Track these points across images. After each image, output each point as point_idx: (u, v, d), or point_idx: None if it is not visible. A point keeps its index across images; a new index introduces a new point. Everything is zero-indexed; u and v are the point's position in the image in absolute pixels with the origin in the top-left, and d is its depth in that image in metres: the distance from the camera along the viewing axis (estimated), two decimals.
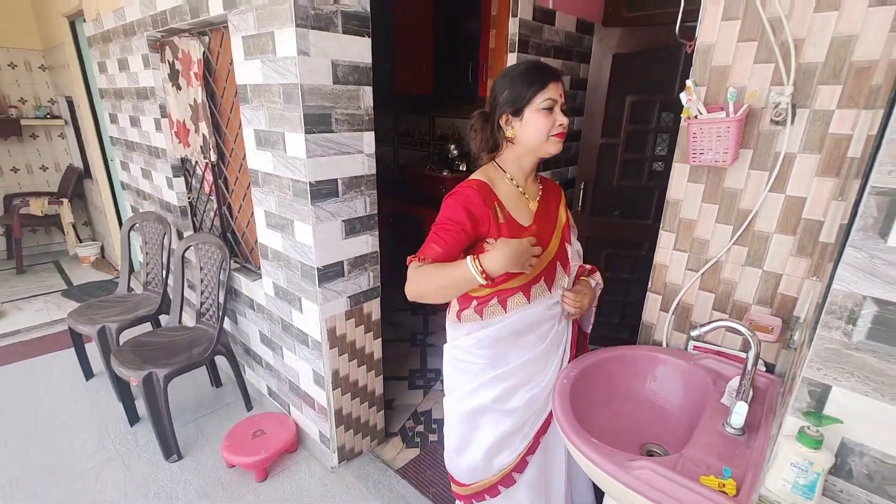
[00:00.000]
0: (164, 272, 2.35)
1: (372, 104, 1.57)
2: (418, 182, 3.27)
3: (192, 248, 2.14)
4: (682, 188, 1.22)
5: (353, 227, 1.64)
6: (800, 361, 0.79)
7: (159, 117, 2.24)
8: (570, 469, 1.36)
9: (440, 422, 2.16)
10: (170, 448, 1.91)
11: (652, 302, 1.36)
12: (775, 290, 1.13)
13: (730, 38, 1.07)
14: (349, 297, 1.71)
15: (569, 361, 1.23)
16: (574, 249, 1.25)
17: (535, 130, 1.04)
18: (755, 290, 1.16)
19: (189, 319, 2.41)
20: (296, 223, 1.58)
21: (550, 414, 1.23)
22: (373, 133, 1.60)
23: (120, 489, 1.78)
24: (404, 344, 2.87)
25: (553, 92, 1.02)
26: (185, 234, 2.41)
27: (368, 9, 1.45)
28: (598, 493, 1.45)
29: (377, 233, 1.74)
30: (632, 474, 0.87)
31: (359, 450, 1.97)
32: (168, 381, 1.85)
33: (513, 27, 2.03)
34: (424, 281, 1.01)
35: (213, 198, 2.17)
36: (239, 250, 2.15)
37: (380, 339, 1.91)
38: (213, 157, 1.97)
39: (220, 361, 2.37)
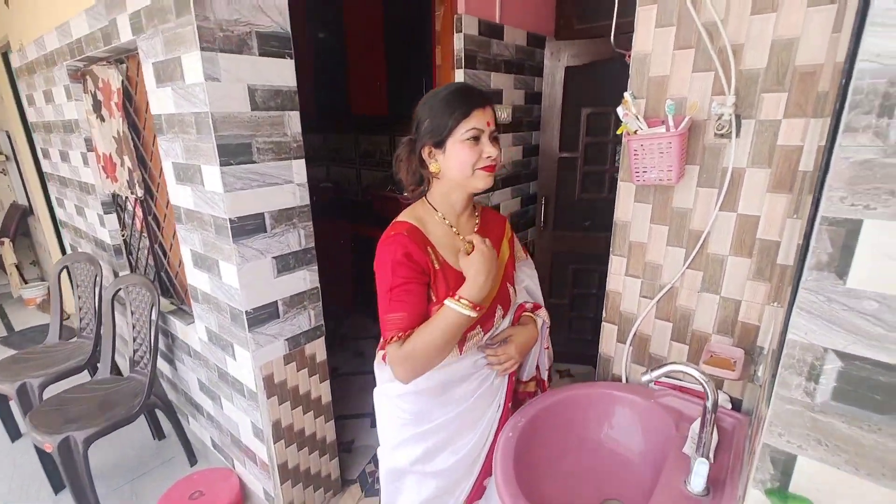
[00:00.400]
0: (98, 318, 2.15)
1: (300, 130, 1.44)
2: (380, 203, 3.15)
3: (122, 290, 1.96)
4: (629, 209, 1.12)
5: (286, 264, 1.49)
6: (760, 420, 0.67)
7: (86, 151, 2.08)
8: None
9: None
10: None
11: (608, 332, 1.24)
12: (735, 317, 1.03)
13: (666, 46, 0.98)
14: (287, 339, 1.56)
15: (501, 419, 1.09)
16: (522, 286, 1.13)
17: (458, 164, 0.91)
18: (714, 319, 1.05)
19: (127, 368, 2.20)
20: (221, 263, 1.43)
21: (482, 475, 1.09)
22: (303, 161, 1.47)
23: None
24: (370, 376, 2.70)
25: (478, 120, 0.89)
26: (121, 275, 2.22)
27: (288, 28, 1.34)
28: None
29: (316, 267, 1.59)
30: None
31: None
32: (89, 445, 1.65)
33: (458, 43, 1.95)
34: (415, 358, 0.88)
35: (145, 235, 2.01)
36: (174, 291, 1.98)
37: (327, 381, 1.75)
38: (140, 193, 1.81)
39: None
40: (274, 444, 1.60)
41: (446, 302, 0.87)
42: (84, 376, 2.16)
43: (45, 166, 2.67)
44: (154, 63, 1.36)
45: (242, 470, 1.82)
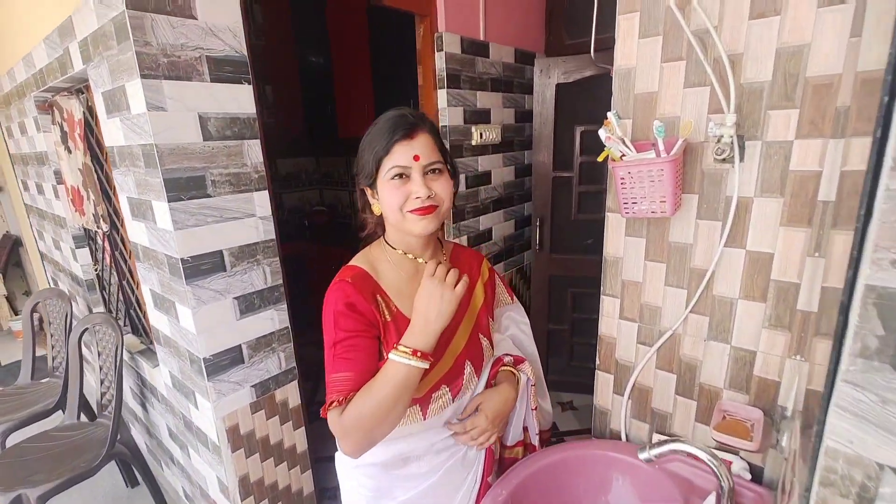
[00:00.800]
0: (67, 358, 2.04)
1: (262, 159, 1.33)
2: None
3: (88, 330, 1.85)
4: (619, 243, 0.98)
5: (250, 304, 1.37)
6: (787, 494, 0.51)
7: (56, 184, 1.99)
8: None
9: None
10: None
11: (603, 383, 1.09)
12: (750, 371, 0.87)
13: (652, 59, 0.85)
14: (254, 385, 1.42)
15: (479, 494, 0.93)
16: (507, 334, 0.98)
17: (386, 206, 0.79)
18: (725, 372, 0.90)
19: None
20: (178, 305, 1.31)
21: None
22: (266, 192, 1.35)
23: None
24: None
25: (401, 156, 0.76)
26: (95, 311, 2.12)
27: (244, 51, 1.24)
28: None
29: (285, 305, 1.46)
30: None
31: None
32: (45, 502, 1.52)
33: (439, 62, 1.85)
34: (360, 429, 0.73)
35: (115, 271, 1.91)
36: (143, 330, 1.86)
37: (302, 427, 1.60)
38: (105, 227, 1.71)
39: None
40: (241, 501, 1.45)
41: (390, 354, 0.74)
42: (57, 417, 2.03)
43: (26, 198, 2.61)
44: (103, 92, 1.27)
45: None
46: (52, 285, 2.68)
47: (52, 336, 2.17)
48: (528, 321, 1.05)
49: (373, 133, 0.79)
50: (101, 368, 1.82)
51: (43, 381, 2.18)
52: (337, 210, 3.77)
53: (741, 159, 0.79)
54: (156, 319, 1.50)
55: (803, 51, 0.72)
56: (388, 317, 0.81)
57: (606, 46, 1.12)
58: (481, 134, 2.08)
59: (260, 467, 1.49)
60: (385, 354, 0.80)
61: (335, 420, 0.75)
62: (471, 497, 0.92)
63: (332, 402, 0.75)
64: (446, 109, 1.90)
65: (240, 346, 1.37)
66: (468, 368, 0.87)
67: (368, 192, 0.83)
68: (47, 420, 1.97)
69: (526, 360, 0.97)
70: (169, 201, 1.15)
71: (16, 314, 3.79)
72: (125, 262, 1.80)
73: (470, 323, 0.89)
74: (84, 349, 2.10)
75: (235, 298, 1.33)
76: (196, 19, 1.13)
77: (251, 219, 1.33)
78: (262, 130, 1.33)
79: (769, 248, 0.80)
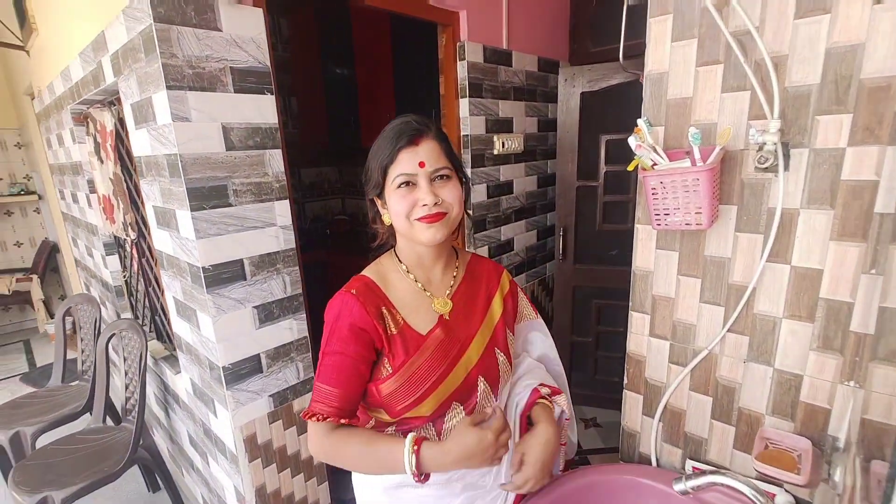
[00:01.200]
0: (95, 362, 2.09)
1: (283, 169, 1.33)
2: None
3: (115, 335, 1.89)
4: (649, 256, 0.92)
5: (269, 314, 1.36)
6: None
7: (89, 193, 2.06)
8: None
9: None
10: None
11: (631, 403, 1.03)
12: (796, 397, 0.80)
13: (686, 63, 0.81)
14: (272, 395, 1.41)
15: None
16: (535, 356, 0.94)
17: (394, 215, 0.78)
18: (767, 397, 0.83)
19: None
20: (198, 314, 1.32)
21: None
22: (286, 202, 1.35)
23: None
24: None
25: (406, 164, 0.75)
26: (122, 317, 2.17)
27: (268, 62, 1.25)
28: None
29: (304, 315, 1.46)
30: None
31: None
32: None
33: (461, 71, 1.83)
34: (334, 460, 0.79)
35: (142, 278, 1.95)
36: (168, 337, 1.89)
37: None
38: (133, 235, 1.75)
39: None
40: None
41: (406, 443, 0.72)
42: (85, 420, 2.08)
43: (62, 206, 2.72)
44: (132, 104, 1.30)
45: None
46: (85, 290, 2.77)
47: (82, 340, 2.23)
48: (551, 339, 1.00)
49: (378, 142, 0.78)
50: (126, 373, 1.86)
51: (73, 383, 2.24)
52: (358, 219, 3.79)
53: (786, 168, 0.73)
54: (178, 327, 1.52)
55: (857, 51, 0.66)
56: (393, 329, 0.79)
57: (635, 53, 1.07)
58: (503, 143, 2.05)
59: (277, 478, 1.47)
60: (388, 365, 0.78)
61: (316, 434, 0.78)
62: None
63: (315, 415, 0.76)
64: (468, 118, 1.88)
65: (258, 355, 1.36)
66: (482, 385, 0.83)
67: (378, 202, 0.82)
68: (76, 422, 2.01)
69: (563, 393, 0.91)
70: (192, 210, 1.16)
71: (52, 318, 3.93)
72: (151, 269, 1.83)
73: (485, 336, 0.85)
74: (112, 354, 2.15)
75: (255, 307, 1.33)
76: (221, 31, 1.15)
77: (272, 228, 1.33)
78: (284, 140, 1.34)
79: (817, 263, 0.74)
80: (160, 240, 1.42)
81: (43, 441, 1.86)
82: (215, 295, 1.24)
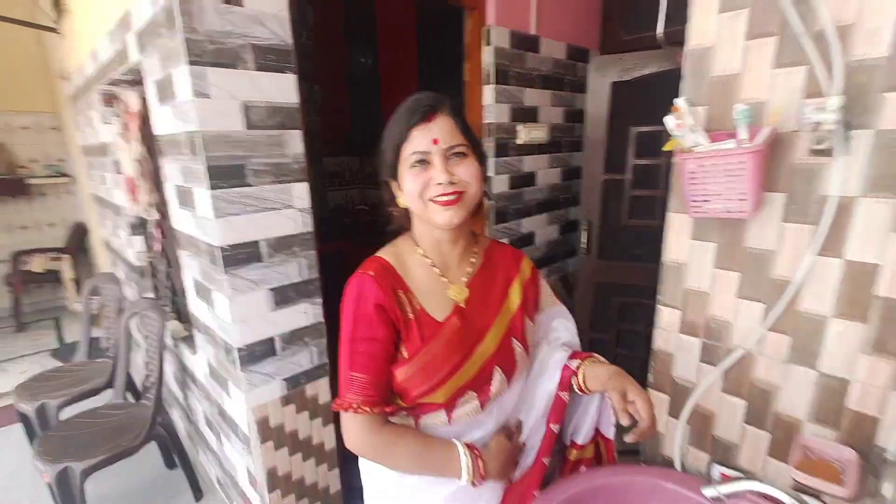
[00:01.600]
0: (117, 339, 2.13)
1: (302, 150, 1.31)
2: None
3: (137, 314, 1.92)
4: (683, 247, 0.86)
5: (285, 297, 1.35)
6: None
7: (115, 174, 2.09)
8: None
9: None
10: None
11: (655, 403, 0.97)
12: (841, 403, 0.73)
13: (734, 36, 0.74)
14: (285, 379, 1.40)
15: None
16: (560, 343, 0.89)
17: (407, 196, 0.75)
18: (809, 402, 0.77)
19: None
20: (214, 294, 1.32)
21: None
22: (306, 184, 1.33)
23: None
24: None
25: (420, 141, 0.71)
26: (145, 297, 2.20)
27: (290, 40, 1.22)
28: None
29: (320, 300, 1.44)
30: None
31: None
32: (86, 477, 1.57)
33: (487, 57, 1.78)
34: (383, 459, 0.79)
35: (164, 259, 1.97)
36: (188, 317, 1.91)
37: (331, 425, 1.57)
38: (156, 215, 1.77)
39: None
40: (269, 493, 1.43)
41: (459, 448, 0.76)
42: (107, 395, 2.13)
43: (91, 188, 2.78)
44: (155, 81, 1.30)
45: None
46: (112, 270, 2.84)
47: (106, 318, 2.28)
48: (574, 326, 0.96)
49: (392, 121, 0.75)
50: (146, 352, 1.88)
51: (98, 360, 2.29)
52: (379, 210, 3.77)
53: (845, 151, 0.66)
54: (196, 307, 1.52)
55: None
56: (410, 314, 0.76)
57: (674, 41, 1.00)
58: (528, 133, 1.99)
59: (288, 461, 1.47)
60: (404, 350, 0.75)
61: (359, 429, 0.75)
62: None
63: (354, 406, 0.73)
64: (492, 106, 1.83)
65: (273, 338, 1.35)
66: (498, 375, 0.79)
67: (392, 183, 0.79)
68: (98, 397, 2.06)
69: (594, 355, 0.87)
70: (211, 188, 1.15)
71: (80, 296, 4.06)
72: (172, 250, 1.85)
73: (502, 326, 0.82)
74: (135, 333, 2.19)
75: (270, 290, 1.32)
76: (242, 6, 1.13)
77: (289, 210, 1.32)
78: (305, 122, 1.31)
79: (875, 258, 0.67)
80: (180, 220, 1.42)
81: (67, 413, 1.91)
82: (232, 276, 1.23)
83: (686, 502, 0.84)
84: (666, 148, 0.77)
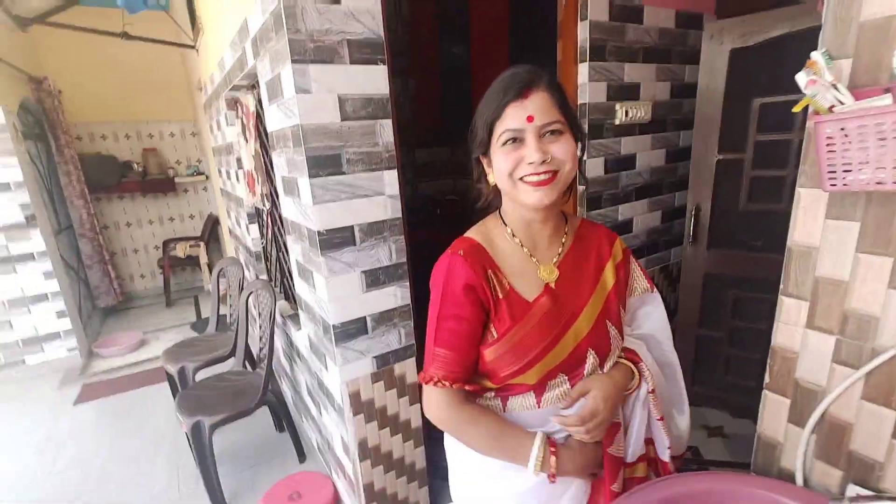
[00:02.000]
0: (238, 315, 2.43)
1: (393, 139, 1.36)
2: None
3: (253, 293, 2.17)
4: (815, 228, 0.73)
5: (375, 279, 1.42)
6: None
7: (237, 169, 2.37)
8: None
9: None
10: (217, 499, 1.87)
11: (773, 406, 0.85)
12: None
13: None
14: (375, 357, 1.49)
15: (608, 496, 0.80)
16: (642, 332, 0.85)
17: (497, 175, 0.74)
18: None
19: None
20: (314, 275, 1.43)
21: None
22: (395, 171, 1.39)
23: None
24: None
25: (513, 118, 0.69)
26: (260, 278, 2.48)
27: (381, 32, 1.27)
28: None
29: (407, 283, 1.49)
30: None
31: None
32: (214, 430, 1.83)
33: (582, 32, 1.68)
34: (456, 433, 0.81)
35: (274, 244, 2.19)
36: (294, 297, 2.11)
37: (418, 404, 1.63)
38: (268, 205, 1.98)
39: None
40: (360, 462, 1.54)
41: (537, 440, 0.76)
42: (231, 363, 2.45)
43: (220, 184, 3.19)
44: (266, 82, 1.44)
45: (337, 480, 1.82)
46: (235, 256, 3.24)
47: (230, 297, 2.61)
48: (666, 315, 0.88)
49: (486, 97, 0.74)
50: (260, 326, 2.12)
51: (225, 333, 2.64)
52: (469, 200, 3.81)
53: None
54: (299, 287, 1.68)
55: None
56: (500, 294, 0.75)
57: None
58: (627, 112, 1.85)
59: (377, 435, 1.56)
60: (494, 330, 0.75)
61: (439, 401, 0.78)
62: (581, 498, 0.81)
63: (433, 378, 0.76)
64: (587, 85, 1.73)
65: (364, 317, 1.43)
66: (591, 358, 0.76)
67: (483, 161, 0.78)
68: (224, 364, 2.37)
69: (643, 362, 0.81)
70: (310, 177, 1.25)
71: None
72: (282, 236, 2.05)
73: (597, 306, 0.78)
74: (252, 310, 2.48)
75: (363, 272, 1.40)
76: (339, 4, 1.20)
77: (380, 197, 1.38)
78: (395, 111, 1.36)
79: None
80: (286, 206, 1.57)
81: (200, 376, 2.24)
82: (328, 258, 1.33)
83: None
84: (796, 109, 0.66)
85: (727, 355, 2.12)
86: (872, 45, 0.64)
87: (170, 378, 2.49)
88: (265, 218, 2.24)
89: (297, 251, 1.57)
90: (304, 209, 1.36)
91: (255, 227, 2.44)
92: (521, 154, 0.70)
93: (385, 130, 1.35)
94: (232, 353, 2.38)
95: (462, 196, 3.86)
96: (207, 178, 4.63)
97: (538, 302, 0.76)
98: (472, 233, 0.82)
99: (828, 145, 0.64)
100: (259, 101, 1.87)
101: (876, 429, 0.71)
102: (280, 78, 1.28)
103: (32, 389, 2.98)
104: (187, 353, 2.38)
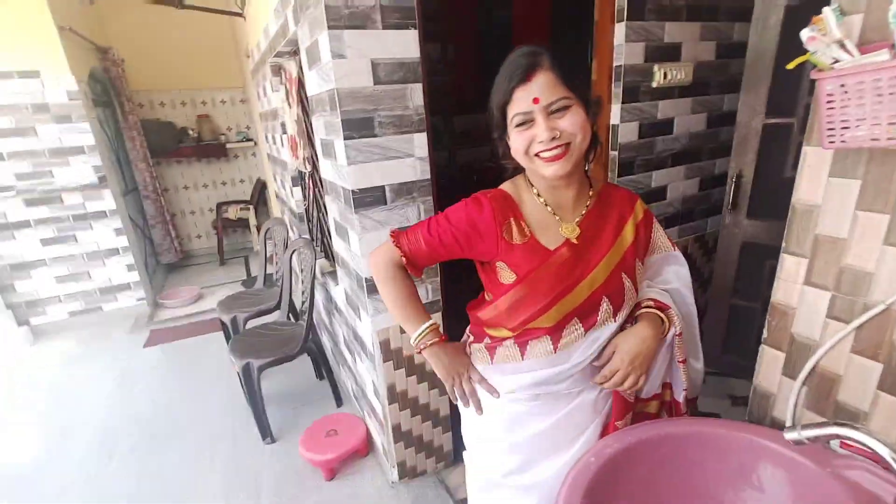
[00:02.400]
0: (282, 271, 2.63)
1: (423, 102, 1.43)
2: None
3: (296, 251, 2.34)
4: (818, 186, 0.75)
5: None
6: None
7: (282, 134, 2.52)
8: None
9: None
10: (265, 431, 2.11)
11: (769, 360, 0.89)
12: None
13: None
14: None
15: (601, 435, 0.89)
16: (669, 287, 0.91)
17: (514, 154, 0.81)
18: None
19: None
20: (349, 232, 1.55)
21: None
22: (424, 134, 1.46)
23: (222, 460, 2.04)
24: None
25: (520, 102, 0.75)
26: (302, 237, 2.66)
27: None
28: None
29: None
30: None
31: (422, 469, 1.86)
32: (261, 371, 2.04)
33: None
34: (381, 282, 0.95)
35: (315, 205, 2.34)
36: (332, 254, 2.26)
37: None
38: (309, 168, 2.11)
39: None
40: (388, 405, 1.69)
41: (425, 325, 0.94)
42: (276, 315, 2.68)
43: (267, 149, 3.37)
44: (306, 48, 1.53)
45: (369, 421, 2.00)
46: (281, 217, 3.46)
47: (276, 255, 2.82)
48: (689, 274, 0.93)
49: (495, 83, 0.80)
50: (302, 282, 2.31)
51: (271, 289, 2.87)
52: (506, 167, 3.81)
53: None
54: (336, 244, 1.81)
55: None
56: (518, 240, 0.82)
57: None
58: (665, 74, 1.79)
59: (405, 381, 1.70)
60: (511, 272, 0.83)
61: (385, 254, 0.92)
62: (596, 436, 0.90)
63: (398, 241, 0.90)
64: (623, 46, 1.69)
65: None
66: (605, 305, 0.83)
67: (504, 141, 0.85)
68: (270, 316, 2.60)
69: (671, 308, 0.86)
70: (345, 139, 1.35)
71: None
72: (322, 197, 2.19)
73: (614, 259, 0.85)
74: (296, 266, 2.67)
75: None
76: None
77: (410, 159, 1.46)
78: (425, 74, 1.42)
79: None
80: (325, 168, 1.68)
81: (250, 325, 2.48)
82: (361, 216, 1.44)
83: (789, 465, 0.78)
84: (790, 66, 0.67)
85: (761, 325, 2.10)
86: (884, 0, 0.63)
87: (223, 326, 2.76)
88: (307, 180, 2.39)
89: (334, 210, 1.69)
90: (339, 170, 1.46)
91: (297, 190, 2.60)
92: (532, 133, 0.76)
93: (415, 94, 1.41)
94: (278, 306, 2.60)
95: (497, 163, 3.86)
96: (255, 143, 4.86)
97: (558, 251, 0.82)
98: (505, 186, 0.90)
99: (828, 102, 0.65)
100: (300, 67, 1.97)
101: (862, 380, 0.74)
102: (318, 44, 1.36)
103: (109, 333, 3.39)
104: (238, 305, 2.62)
